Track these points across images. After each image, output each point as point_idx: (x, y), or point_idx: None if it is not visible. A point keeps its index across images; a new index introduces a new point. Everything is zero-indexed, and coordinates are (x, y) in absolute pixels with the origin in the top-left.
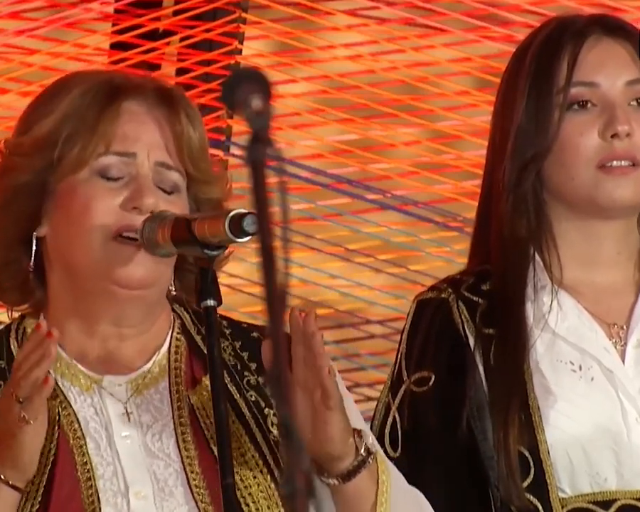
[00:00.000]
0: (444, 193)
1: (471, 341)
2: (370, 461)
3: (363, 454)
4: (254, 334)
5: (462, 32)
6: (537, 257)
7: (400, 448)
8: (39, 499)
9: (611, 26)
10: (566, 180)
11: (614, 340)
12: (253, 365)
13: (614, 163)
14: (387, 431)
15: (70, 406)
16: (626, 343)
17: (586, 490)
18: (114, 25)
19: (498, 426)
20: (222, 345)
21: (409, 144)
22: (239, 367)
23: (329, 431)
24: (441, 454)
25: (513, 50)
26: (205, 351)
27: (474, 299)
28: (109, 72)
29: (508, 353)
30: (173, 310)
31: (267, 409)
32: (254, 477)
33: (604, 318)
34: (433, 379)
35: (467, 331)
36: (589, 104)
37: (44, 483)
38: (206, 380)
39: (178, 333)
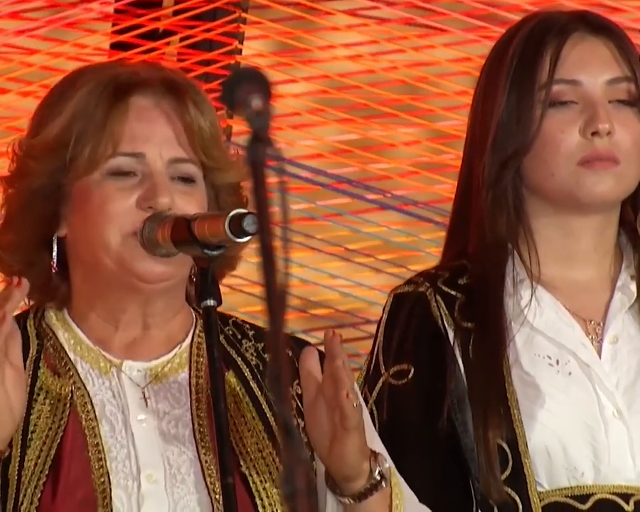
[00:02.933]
0: (444, 193)
1: (451, 335)
2: (384, 486)
3: (377, 477)
4: None
5: (462, 32)
6: (515, 252)
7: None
8: (46, 473)
9: (594, 24)
10: (546, 176)
11: (590, 337)
12: None
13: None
14: None
15: (84, 387)
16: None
17: (563, 484)
18: (114, 25)
19: (477, 419)
20: (245, 346)
21: (409, 144)
22: (261, 367)
23: (344, 451)
24: (422, 447)
25: None
26: (227, 350)
27: (452, 293)
28: (114, 67)
29: (487, 347)
30: (195, 310)
31: None
32: (270, 473)
33: (581, 315)
34: (412, 372)
35: (446, 324)
36: (570, 102)
37: (51, 458)
38: (229, 376)
39: (200, 330)
